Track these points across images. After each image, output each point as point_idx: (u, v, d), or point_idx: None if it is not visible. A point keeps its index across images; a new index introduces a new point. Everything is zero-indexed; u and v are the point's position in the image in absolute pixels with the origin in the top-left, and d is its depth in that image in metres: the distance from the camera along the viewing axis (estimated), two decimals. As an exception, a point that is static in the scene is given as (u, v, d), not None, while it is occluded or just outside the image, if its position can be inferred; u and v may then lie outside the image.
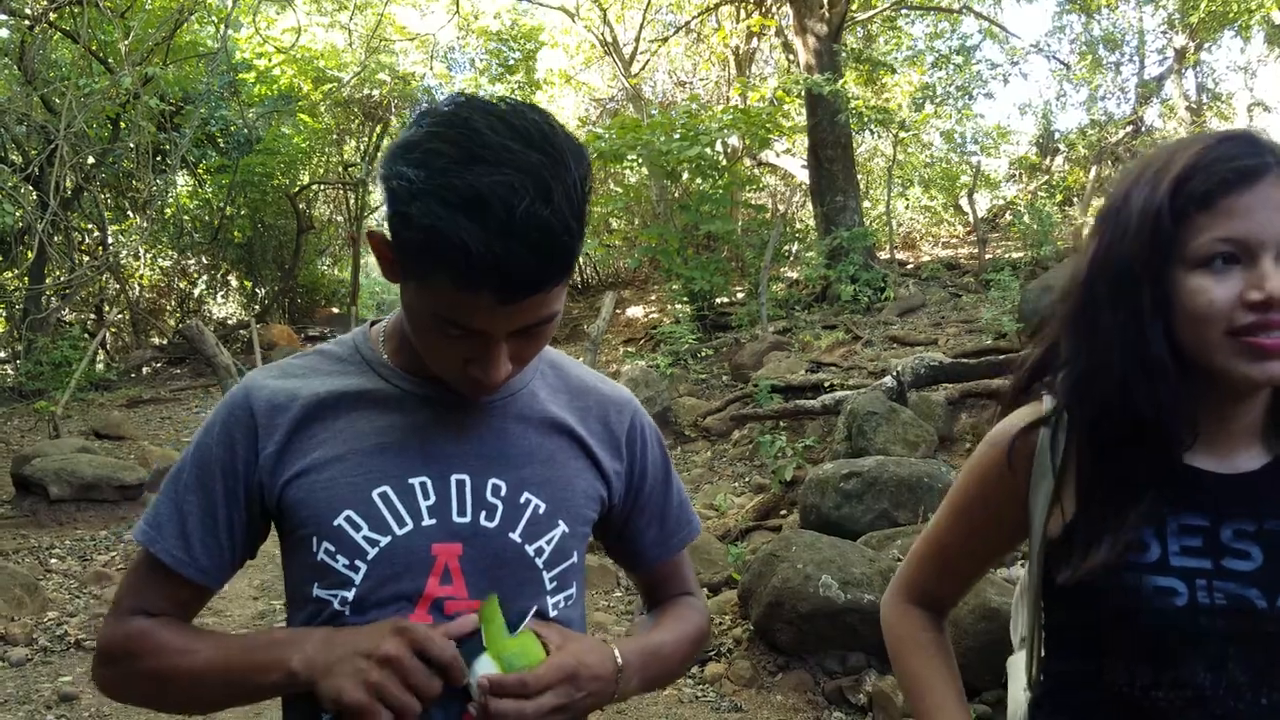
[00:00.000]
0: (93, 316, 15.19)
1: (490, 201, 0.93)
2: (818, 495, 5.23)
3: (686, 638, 1.34)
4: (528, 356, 1.11)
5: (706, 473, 7.39)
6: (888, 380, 6.77)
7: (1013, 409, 1.27)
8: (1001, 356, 7.23)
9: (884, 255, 13.74)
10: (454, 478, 1.16)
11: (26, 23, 10.63)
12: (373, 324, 1.28)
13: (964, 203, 15.97)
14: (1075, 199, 15.65)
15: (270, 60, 15.17)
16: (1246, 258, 1.04)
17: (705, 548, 5.52)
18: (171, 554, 1.15)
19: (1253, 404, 1.14)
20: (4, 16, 10.15)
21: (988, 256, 12.90)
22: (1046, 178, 16.99)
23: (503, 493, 1.17)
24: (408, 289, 1.05)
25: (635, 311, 15.07)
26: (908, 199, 17.87)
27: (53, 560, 6.08)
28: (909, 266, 13.80)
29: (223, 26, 12.18)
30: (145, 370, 14.29)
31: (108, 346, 14.68)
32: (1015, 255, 12.84)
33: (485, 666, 1.06)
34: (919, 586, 1.39)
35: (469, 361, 1.07)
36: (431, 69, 17.96)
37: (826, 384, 7.70)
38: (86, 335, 12.44)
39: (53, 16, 10.70)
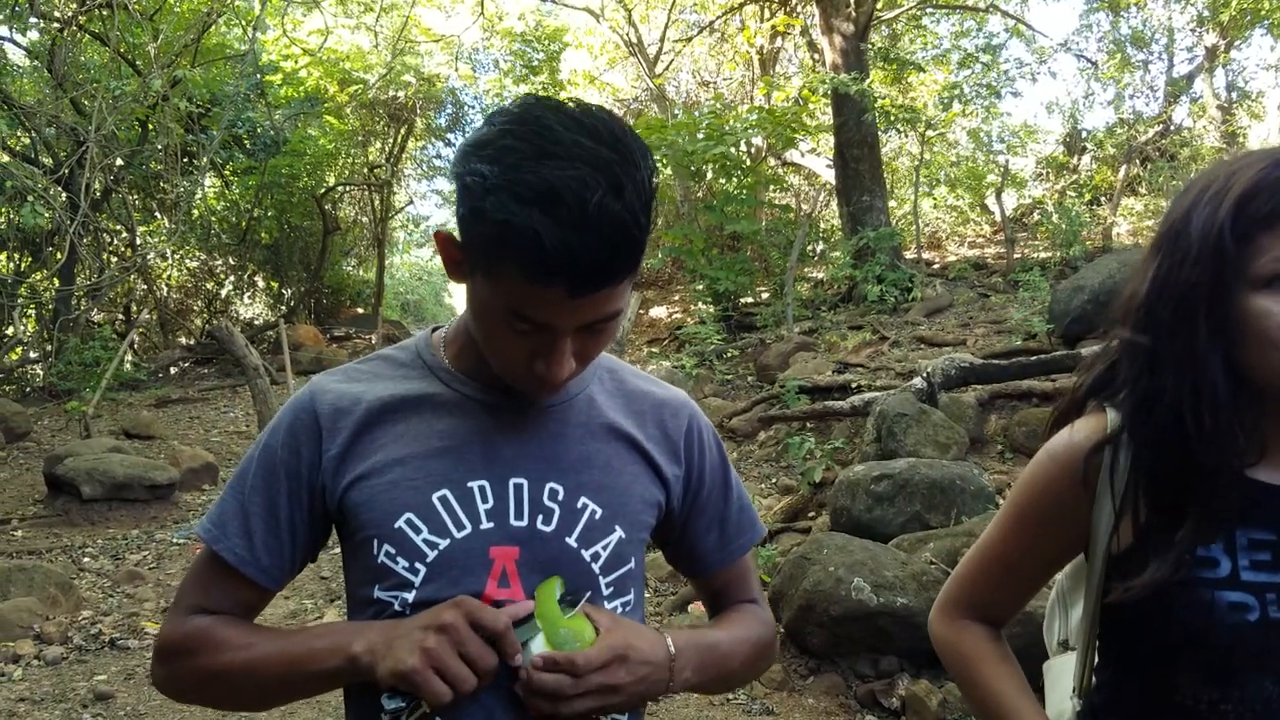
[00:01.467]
0: (121, 317, 15.32)
1: (563, 195, 0.95)
2: (848, 497, 5.20)
3: (746, 639, 1.32)
4: (590, 355, 1.12)
5: (733, 474, 7.35)
6: (917, 381, 6.72)
7: (1065, 422, 1.25)
8: (1033, 358, 7.16)
9: (910, 255, 13.66)
10: (512, 482, 1.17)
11: (56, 26, 10.74)
12: (434, 330, 1.30)
13: (991, 202, 15.85)
14: (1104, 198, 15.50)
15: (297, 62, 15.26)
16: None
17: (734, 550, 5.49)
18: (235, 552, 1.17)
19: None
20: (34, 19, 10.25)
21: (1015, 256, 12.80)
22: (1075, 177, 16.83)
23: (560, 497, 1.18)
24: (476, 285, 1.06)
25: (659, 312, 15.06)
26: (934, 198, 17.76)
27: (85, 559, 6.14)
28: (935, 266, 13.73)
29: (250, 29, 12.27)
30: (173, 370, 14.41)
31: (136, 347, 14.81)
32: (1043, 255, 12.73)
33: (538, 647, 1.08)
34: (973, 602, 1.36)
35: (534, 358, 1.08)
36: (456, 70, 18.01)
37: (854, 385, 7.65)
38: (116, 336, 12.53)
39: (82, 19, 10.80)
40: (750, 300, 13.03)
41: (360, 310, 18.84)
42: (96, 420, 9.24)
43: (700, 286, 12.66)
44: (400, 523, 1.13)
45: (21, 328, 12.62)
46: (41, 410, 10.68)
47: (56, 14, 10.86)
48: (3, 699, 4.11)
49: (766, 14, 15.50)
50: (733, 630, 1.32)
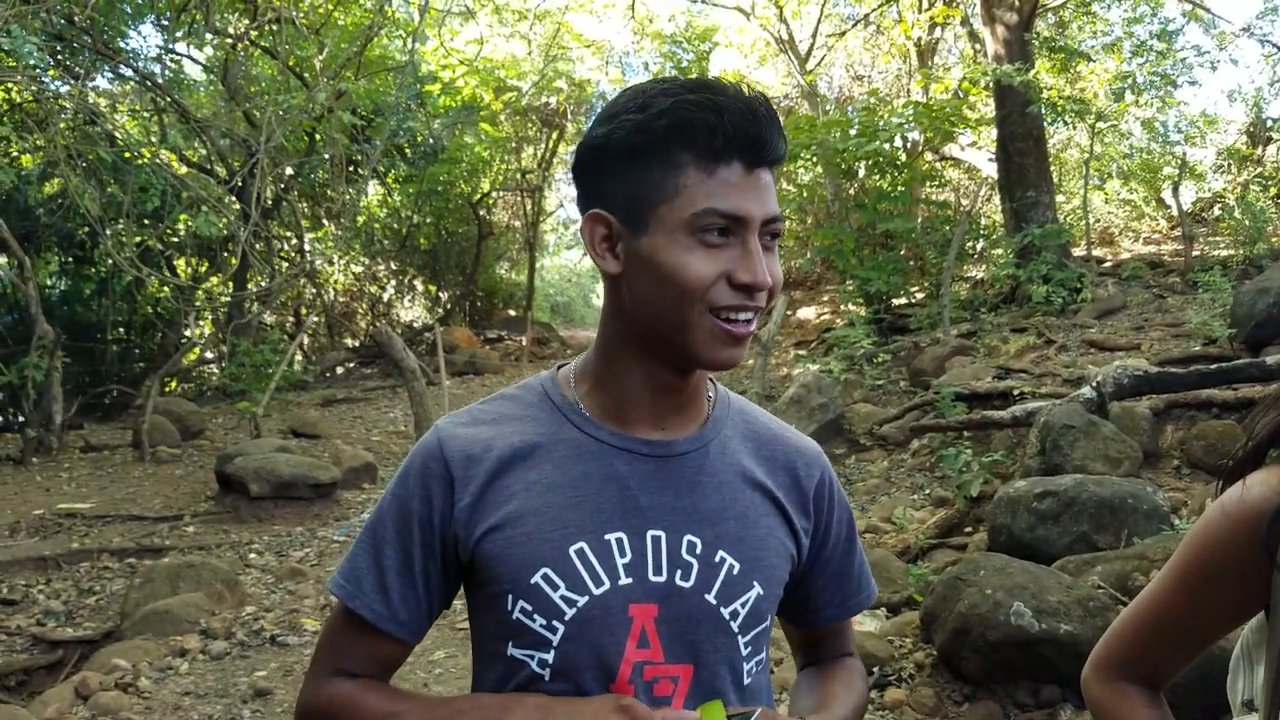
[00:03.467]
0: (291, 320, 16.13)
1: (706, 88, 1.05)
2: (1008, 515, 4.91)
3: (858, 705, 1.28)
4: (773, 275, 1.07)
5: (883, 483, 7.11)
6: (1086, 391, 6.31)
7: (1241, 474, 1.12)
8: (1213, 365, 6.61)
9: (1079, 253, 12.96)
10: (650, 534, 1.12)
11: (230, 41, 11.37)
12: (560, 367, 1.24)
13: (1167, 196, 14.89)
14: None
15: (454, 72, 15.70)
16: None
17: (884, 565, 5.28)
18: (372, 609, 1.13)
19: None
20: (210, 36, 10.87)
21: (1194, 254, 11.97)
22: (1259, 169, 15.63)
23: (698, 551, 1.13)
24: (644, 239, 1.06)
25: (807, 313, 14.80)
26: (1105, 193, 16.81)
27: (251, 555, 6.42)
28: (1107, 265, 12.99)
29: (410, 40, 12.68)
30: (339, 371, 15.07)
31: (304, 349, 15.55)
32: (1225, 253, 11.88)
33: None
34: (1132, 661, 1.24)
35: (732, 269, 1.04)
36: (606, 74, 18.19)
37: (1015, 392, 7.28)
38: (285, 338, 13.19)
39: (253, 35, 11.40)
40: (904, 302, 12.63)
41: (512, 313, 19.27)
42: (266, 419, 9.71)
43: (850, 287, 12.36)
44: (537, 578, 1.09)
45: (199, 330, 13.41)
46: (215, 409, 11.32)
47: (230, 30, 11.49)
48: (170, 692, 4.31)
49: (925, 4, 15.01)
50: (850, 699, 1.27)
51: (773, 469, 1.22)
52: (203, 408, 10.85)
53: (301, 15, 10.89)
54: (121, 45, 10.61)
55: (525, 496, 1.12)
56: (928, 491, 6.67)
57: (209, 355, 13.82)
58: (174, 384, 13.03)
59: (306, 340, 15.78)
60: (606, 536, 1.10)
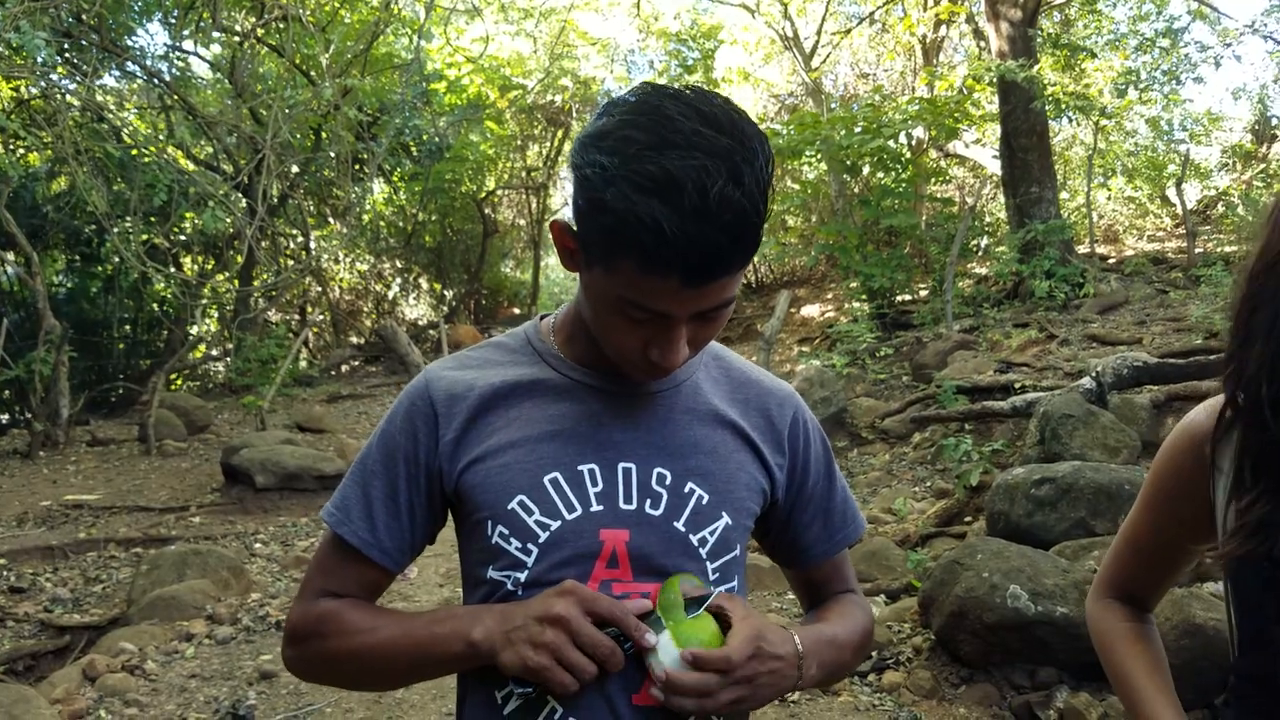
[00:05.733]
0: (297, 317, 16.19)
1: (684, 185, 0.95)
2: (1006, 502, 4.94)
3: (858, 631, 1.33)
4: (703, 341, 1.13)
5: (884, 476, 7.14)
6: (1086, 381, 6.34)
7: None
8: (1212, 356, 6.64)
9: (1083, 249, 12.95)
10: (621, 465, 1.19)
11: (237, 39, 11.42)
12: (543, 318, 1.33)
13: (1171, 193, 14.86)
14: (1299, 187, 14.30)
15: (460, 69, 15.75)
16: None
17: (884, 553, 5.32)
18: (358, 535, 1.21)
19: None
20: (217, 34, 10.93)
21: (1198, 250, 11.95)
22: (1263, 166, 15.60)
23: (667, 482, 1.19)
24: (591, 275, 1.08)
25: (811, 310, 14.80)
26: (1109, 190, 16.79)
27: (257, 545, 6.47)
28: (1110, 261, 12.97)
29: (416, 38, 12.74)
30: (344, 368, 15.12)
31: (310, 345, 15.60)
32: (1229, 249, 11.86)
33: (665, 643, 1.07)
34: (1117, 581, 1.38)
35: (648, 345, 1.09)
36: (611, 72, 18.22)
37: (1017, 385, 7.30)
38: (291, 334, 13.24)
39: (260, 32, 11.46)
40: (908, 298, 12.64)
41: (517, 310, 19.32)
42: (271, 415, 9.76)
43: (854, 284, 12.37)
44: (513, 504, 1.16)
45: (204, 326, 13.48)
46: (221, 404, 11.37)
47: (237, 28, 11.55)
48: (176, 675, 4.36)
49: (930, 2, 15.02)
50: (846, 623, 1.32)
51: (746, 409, 1.28)
52: (208, 403, 10.90)
53: (308, 13, 10.93)
54: (129, 43, 10.70)
55: (505, 432, 1.19)
56: (929, 483, 6.70)
57: (214, 352, 13.88)
58: (180, 380, 13.09)
59: (312, 337, 15.83)
60: (579, 467, 1.18)
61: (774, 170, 1.03)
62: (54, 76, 9.04)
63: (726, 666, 1.05)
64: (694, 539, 1.19)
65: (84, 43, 9.56)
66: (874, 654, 4.33)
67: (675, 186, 0.94)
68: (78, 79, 9.44)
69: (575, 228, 1.07)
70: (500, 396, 1.22)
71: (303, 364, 13.48)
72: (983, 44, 14.19)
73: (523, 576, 1.16)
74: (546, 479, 1.16)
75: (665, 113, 0.98)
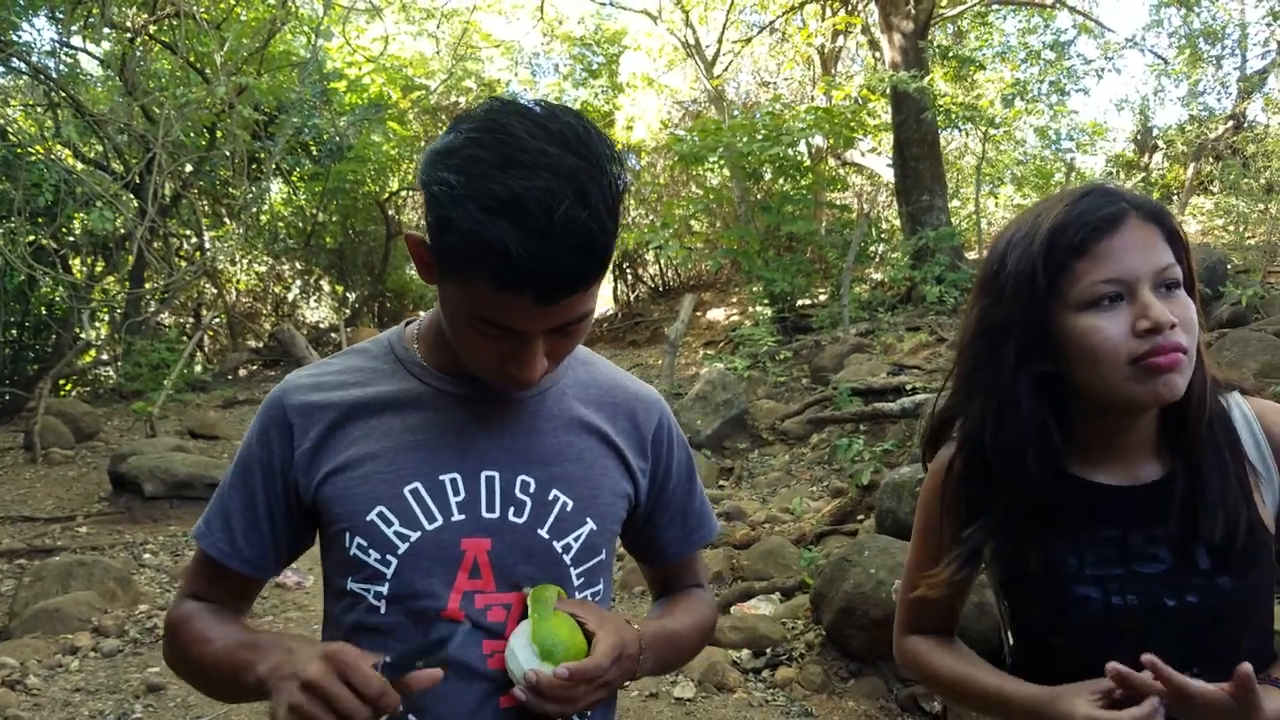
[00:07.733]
0: (191, 320, 15.72)
1: (529, 205, 0.94)
2: (894, 500, 5.11)
3: (698, 627, 1.39)
4: (562, 354, 1.13)
5: (783, 476, 7.30)
6: (970, 383, 6.58)
7: (934, 443, 1.43)
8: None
9: (973, 255, 13.40)
10: (484, 474, 1.19)
11: (128, 35, 11.06)
12: (407, 324, 1.32)
13: (1057, 201, 15.45)
14: (1175, 196, 15.05)
15: (360, 69, 15.51)
16: (1128, 293, 1.16)
17: (779, 552, 5.45)
18: (217, 547, 1.23)
19: (1145, 422, 1.26)
20: (107, 30, 10.58)
21: (1082, 256, 12.46)
22: (1145, 175, 16.37)
23: (531, 489, 1.20)
24: (446, 290, 1.07)
25: (716, 314, 14.99)
26: (998, 198, 17.41)
27: (145, 555, 6.30)
28: (998, 267, 13.41)
29: (314, 36, 12.52)
30: (241, 372, 14.74)
31: (205, 349, 15.18)
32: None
33: (525, 648, 1.10)
34: (914, 623, 1.48)
35: (506, 359, 1.08)
36: (516, 75, 18.18)
37: (908, 387, 7.54)
38: (185, 338, 12.86)
39: (152, 29, 11.12)
40: (808, 302, 12.91)
41: (422, 313, 18.91)
42: (163, 420, 9.49)
43: (757, 288, 12.57)
44: (372, 515, 1.15)
45: (94, 330, 13.01)
46: (111, 410, 10.98)
47: (128, 24, 11.19)
48: (59, 689, 4.24)
49: (827, 13, 15.35)
50: (688, 618, 1.38)
51: (613, 415, 1.30)
52: (98, 409, 10.51)
53: (202, 10, 10.68)
54: (14, 38, 10.26)
55: (365, 443, 1.19)
56: (825, 483, 6.87)
57: (104, 357, 13.41)
58: (69, 386, 12.60)
59: (207, 341, 15.40)
60: (441, 477, 1.17)
61: (625, 182, 1.03)
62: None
63: (598, 675, 1.09)
64: (558, 545, 1.20)
65: (-38, 36, 9.17)
66: (767, 650, 4.45)
67: (521, 208, 0.94)
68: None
69: (429, 241, 1.06)
70: (359, 407, 1.20)
71: (197, 368, 13.11)
72: (878, 55, 14.58)
73: (384, 589, 1.15)
74: (407, 489, 1.16)
75: (512, 131, 0.98)
